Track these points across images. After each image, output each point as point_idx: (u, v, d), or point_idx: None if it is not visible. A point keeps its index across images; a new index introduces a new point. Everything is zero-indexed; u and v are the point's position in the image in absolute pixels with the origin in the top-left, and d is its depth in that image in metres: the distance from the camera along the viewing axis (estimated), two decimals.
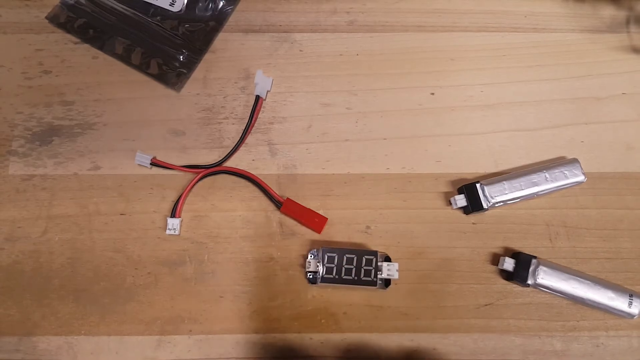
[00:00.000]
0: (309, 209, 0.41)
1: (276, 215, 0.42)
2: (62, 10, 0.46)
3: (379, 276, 0.39)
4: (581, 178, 0.41)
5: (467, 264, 0.41)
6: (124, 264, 0.41)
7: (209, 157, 0.43)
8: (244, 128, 0.43)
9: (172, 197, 0.42)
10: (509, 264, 0.40)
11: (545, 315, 0.40)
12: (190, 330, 0.40)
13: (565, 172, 0.41)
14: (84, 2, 0.46)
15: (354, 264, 0.39)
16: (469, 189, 0.41)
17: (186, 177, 0.43)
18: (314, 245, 0.41)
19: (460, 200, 0.41)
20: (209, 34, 0.46)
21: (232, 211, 0.42)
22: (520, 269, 0.39)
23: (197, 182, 0.42)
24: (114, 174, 0.43)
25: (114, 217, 0.42)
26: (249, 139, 0.44)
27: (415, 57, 0.46)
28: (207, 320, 0.40)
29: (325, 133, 0.44)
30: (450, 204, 0.42)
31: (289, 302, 0.40)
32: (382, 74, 0.45)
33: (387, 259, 0.40)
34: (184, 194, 0.42)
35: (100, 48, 0.45)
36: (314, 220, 0.41)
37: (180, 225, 0.41)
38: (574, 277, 0.39)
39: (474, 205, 0.41)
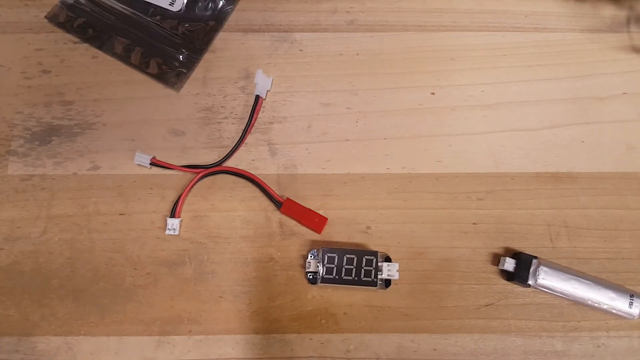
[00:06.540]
0: (309, 209, 0.41)
1: (276, 215, 0.42)
2: (61, 10, 0.46)
3: (379, 276, 0.39)
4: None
5: (468, 264, 0.41)
6: (123, 264, 0.41)
7: (209, 157, 0.43)
8: (243, 128, 0.43)
9: (171, 197, 0.42)
10: (509, 264, 0.40)
11: (546, 315, 0.40)
12: (190, 331, 0.40)
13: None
14: (83, 1, 0.46)
15: (354, 264, 0.39)
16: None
17: (186, 177, 0.43)
18: (314, 245, 0.41)
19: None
20: (208, 34, 0.46)
21: (232, 211, 0.42)
22: (521, 269, 0.39)
23: (196, 182, 0.42)
24: (113, 174, 0.43)
25: (114, 217, 0.42)
26: (249, 138, 0.44)
27: (415, 57, 0.46)
28: (206, 320, 0.40)
29: (325, 133, 0.44)
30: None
31: (289, 303, 0.40)
32: (382, 74, 0.45)
33: (388, 259, 0.40)
34: (183, 194, 0.41)
35: (100, 48, 0.45)
36: (314, 220, 0.41)
37: (180, 226, 0.41)
38: (574, 277, 0.39)
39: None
